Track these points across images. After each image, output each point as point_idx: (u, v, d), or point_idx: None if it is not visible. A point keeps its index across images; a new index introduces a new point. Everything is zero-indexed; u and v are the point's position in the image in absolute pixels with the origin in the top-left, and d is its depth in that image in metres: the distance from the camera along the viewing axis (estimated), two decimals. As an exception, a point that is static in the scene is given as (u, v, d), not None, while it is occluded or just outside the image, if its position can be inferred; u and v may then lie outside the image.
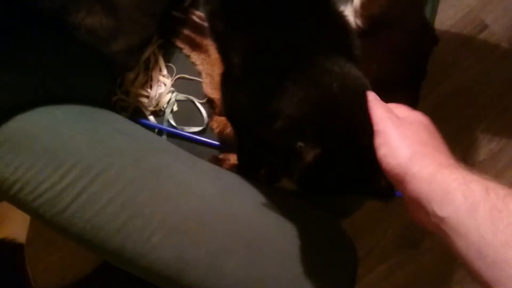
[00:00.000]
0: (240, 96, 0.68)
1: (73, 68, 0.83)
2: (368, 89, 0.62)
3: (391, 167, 0.51)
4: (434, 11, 1.02)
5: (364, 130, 0.57)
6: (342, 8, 0.91)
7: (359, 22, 0.95)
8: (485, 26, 1.54)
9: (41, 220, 0.69)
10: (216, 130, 0.91)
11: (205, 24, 0.97)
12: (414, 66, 0.98)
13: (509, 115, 1.48)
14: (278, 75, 0.61)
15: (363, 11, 0.95)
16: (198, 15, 0.98)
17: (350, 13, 0.95)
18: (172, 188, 0.70)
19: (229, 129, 0.91)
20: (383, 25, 0.96)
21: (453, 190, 0.44)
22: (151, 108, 0.95)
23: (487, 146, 1.47)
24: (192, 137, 0.93)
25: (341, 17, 0.70)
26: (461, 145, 1.47)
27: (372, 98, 0.60)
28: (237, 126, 0.80)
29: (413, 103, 0.99)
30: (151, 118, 0.95)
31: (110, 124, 0.78)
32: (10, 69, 0.70)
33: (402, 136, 0.53)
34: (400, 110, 0.60)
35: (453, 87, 1.50)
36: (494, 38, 1.53)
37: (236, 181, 0.79)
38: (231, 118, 0.80)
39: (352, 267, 0.76)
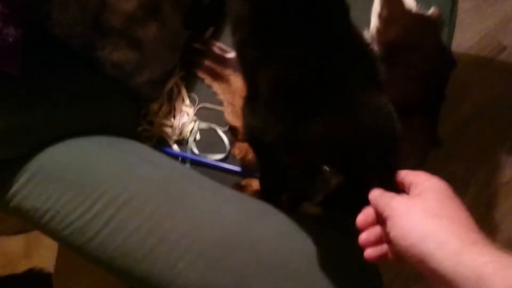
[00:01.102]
0: (266, 121, 0.69)
1: (100, 101, 0.86)
2: (395, 121, 0.63)
3: (405, 250, 0.47)
4: (450, 36, 1.03)
5: (388, 163, 0.58)
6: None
7: (377, 47, 0.96)
8: (504, 48, 1.55)
9: (71, 248, 0.71)
10: (238, 157, 0.93)
11: (226, 55, 1.01)
12: (432, 90, 0.99)
13: (532, 136, 1.47)
14: (312, 104, 0.63)
15: (380, 37, 0.98)
16: (219, 46, 1.01)
17: (367, 37, 0.98)
18: (197, 215, 0.72)
19: (250, 155, 0.93)
20: (400, 50, 0.97)
21: (488, 276, 0.40)
22: (175, 137, 0.97)
23: (510, 168, 1.45)
24: (215, 164, 0.95)
25: (367, 46, 0.72)
26: (485, 167, 1.46)
27: (376, 194, 0.55)
28: (259, 150, 0.82)
29: (433, 126, 1.00)
30: (175, 147, 0.97)
31: (135, 154, 0.81)
32: (44, 105, 0.74)
33: (410, 213, 0.48)
34: (414, 177, 0.56)
35: (474, 108, 1.50)
36: (512, 59, 1.54)
37: (259, 207, 0.80)
38: (253, 143, 0.82)
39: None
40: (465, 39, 1.55)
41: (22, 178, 0.72)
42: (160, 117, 0.98)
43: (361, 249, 0.83)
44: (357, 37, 0.72)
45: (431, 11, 0.99)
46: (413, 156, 0.96)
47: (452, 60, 1.02)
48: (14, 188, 0.72)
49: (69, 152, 0.75)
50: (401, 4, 0.99)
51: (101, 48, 0.82)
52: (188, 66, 1.01)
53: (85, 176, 0.72)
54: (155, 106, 0.99)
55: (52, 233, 0.72)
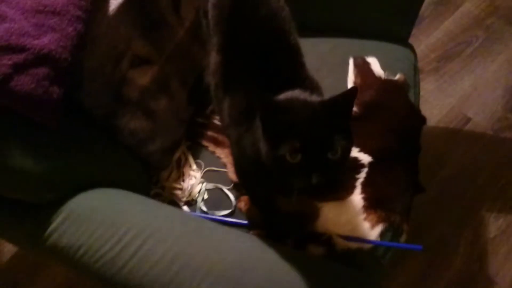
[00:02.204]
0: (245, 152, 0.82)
1: (120, 166, 0.98)
2: None
3: None
4: (416, 97, 1.20)
5: None
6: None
7: (354, 108, 1.12)
8: (469, 119, 1.73)
9: (103, 279, 0.78)
10: (244, 209, 1.03)
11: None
12: (407, 142, 1.13)
13: (509, 192, 1.60)
14: None
15: (357, 100, 1.13)
16: (218, 119, 1.16)
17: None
18: (215, 243, 0.81)
19: (255, 209, 1.03)
20: (375, 109, 1.13)
21: None
22: (185, 199, 1.07)
23: (495, 224, 1.55)
24: (223, 219, 1.04)
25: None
26: (470, 226, 1.55)
27: None
28: (252, 192, 0.93)
29: (413, 173, 1.12)
30: (185, 207, 1.07)
31: (153, 202, 0.91)
32: (78, 157, 0.86)
33: None
34: None
35: (450, 174, 1.63)
36: (479, 128, 1.71)
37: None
38: (243, 180, 0.92)
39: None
40: (433, 115, 1.74)
41: (58, 219, 0.81)
42: (170, 182, 1.09)
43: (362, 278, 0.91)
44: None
45: (397, 77, 1.17)
46: (399, 201, 1.06)
47: (421, 116, 1.18)
48: (50, 228, 0.80)
49: (97, 197, 0.85)
50: (372, 72, 1.17)
51: (121, 116, 0.95)
52: (193, 137, 1.15)
53: (113, 215, 0.82)
54: (165, 173, 1.11)
55: (85, 267, 0.79)
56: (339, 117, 0.70)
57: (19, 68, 0.71)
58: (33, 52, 0.72)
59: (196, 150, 1.13)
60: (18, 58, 0.71)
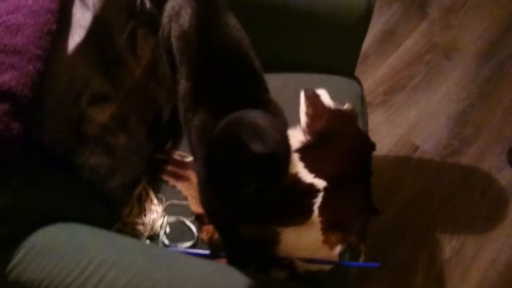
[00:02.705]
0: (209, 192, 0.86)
1: (81, 201, 0.99)
2: None
3: None
4: (365, 124, 1.28)
5: None
6: (292, 129, 1.16)
7: (308, 137, 1.18)
8: (417, 147, 1.83)
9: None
10: (206, 238, 1.05)
11: (185, 159, 1.19)
12: (359, 166, 1.19)
13: (460, 214, 1.68)
14: None
15: (309, 130, 1.20)
16: (179, 154, 1.19)
17: (299, 132, 1.19)
18: (179, 268, 0.82)
19: (216, 235, 1.06)
20: (327, 138, 1.19)
21: None
22: (147, 234, 1.08)
23: (449, 244, 1.62)
24: (186, 251, 1.05)
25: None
26: (426, 249, 1.62)
27: None
28: (219, 224, 0.96)
29: (367, 196, 1.18)
30: (147, 242, 1.08)
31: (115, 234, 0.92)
32: (38, 191, 0.86)
33: None
34: None
35: (403, 201, 1.71)
36: (427, 155, 1.81)
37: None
38: (212, 218, 0.96)
39: None
40: (383, 145, 1.83)
41: (19, 254, 0.80)
42: (131, 217, 1.10)
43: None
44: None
45: (346, 106, 1.24)
46: (355, 222, 1.11)
47: (371, 142, 1.25)
48: (12, 263, 0.80)
49: (58, 231, 0.85)
50: (321, 103, 1.24)
51: (81, 153, 0.97)
52: (153, 173, 1.17)
53: (74, 248, 0.82)
54: (126, 209, 1.12)
55: (49, 300, 0.78)
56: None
57: (-21, 104, 0.73)
58: (-6, 89, 0.75)
59: (156, 185, 1.16)
60: (-22, 94, 0.73)
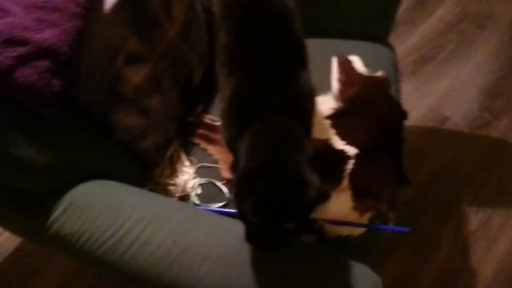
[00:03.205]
0: None
1: (117, 159, 1.00)
2: None
3: None
4: (398, 92, 1.26)
5: None
6: (323, 95, 1.16)
7: (340, 104, 1.17)
8: (446, 118, 1.80)
9: (104, 266, 0.80)
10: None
11: (215, 123, 1.19)
12: (391, 135, 1.18)
13: (488, 188, 1.66)
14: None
15: (341, 96, 1.19)
16: (209, 118, 1.20)
17: (331, 98, 1.19)
18: (213, 228, 0.84)
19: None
20: (359, 103, 1.18)
21: None
22: (178, 195, 1.10)
23: (475, 217, 1.61)
24: (217, 210, 1.07)
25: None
26: (451, 220, 1.61)
27: None
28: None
29: (398, 165, 1.17)
30: (179, 203, 1.09)
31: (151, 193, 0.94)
32: (78, 148, 0.88)
33: None
34: None
35: (430, 172, 1.70)
36: (456, 127, 1.78)
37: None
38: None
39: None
40: (412, 115, 1.78)
41: (60, 208, 0.83)
42: (163, 178, 1.12)
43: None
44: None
45: (379, 73, 1.23)
46: (386, 189, 1.11)
47: (403, 110, 1.23)
48: (53, 217, 0.82)
49: (97, 187, 0.87)
50: (354, 70, 1.23)
51: (116, 113, 0.98)
52: (185, 135, 1.18)
53: (113, 204, 0.84)
54: (158, 170, 1.13)
55: (87, 254, 0.81)
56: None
57: (22, 60, 0.73)
58: (35, 45, 0.75)
59: (188, 148, 1.17)
60: (21, 50, 0.73)
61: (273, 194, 0.74)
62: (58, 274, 1.45)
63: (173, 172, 1.13)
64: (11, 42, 0.73)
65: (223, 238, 0.82)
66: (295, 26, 0.94)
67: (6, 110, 0.75)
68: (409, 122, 1.75)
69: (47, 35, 0.77)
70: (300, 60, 0.94)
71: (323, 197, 0.76)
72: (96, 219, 0.81)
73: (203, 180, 1.11)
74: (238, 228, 0.86)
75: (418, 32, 2.02)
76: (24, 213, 0.85)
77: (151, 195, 0.92)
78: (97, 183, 0.89)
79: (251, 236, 0.76)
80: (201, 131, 1.18)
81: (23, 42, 0.74)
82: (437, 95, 1.85)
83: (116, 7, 0.91)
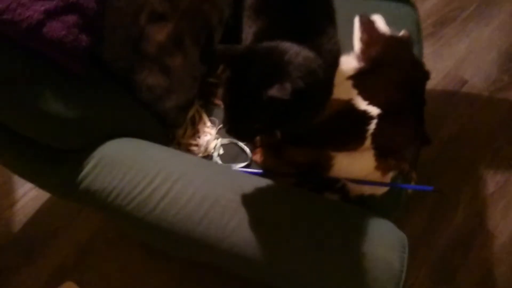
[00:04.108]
0: None
1: (140, 120, 1.00)
2: None
3: None
4: (420, 52, 1.24)
5: None
6: (345, 55, 1.14)
7: (362, 64, 1.16)
8: (465, 81, 1.78)
9: (134, 221, 0.81)
10: (260, 160, 1.07)
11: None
12: (413, 95, 1.17)
13: (506, 151, 1.65)
14: None
15: (363, 56, 1.18)
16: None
17: (353, 58, 1.17)
18: (240, 183, 0.84)
19: (269, 159, 1.07)
20: (381, 65, 1.17)
21: None
22: (201, 155, 1.10)
23: (493, 180, 1.61)
24: (240, 170, 1.07)
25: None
26: (469, 183, 1.61)
27: None
28: None
29: (420, 125, 1.16)
30: (201, 163, 1.10)
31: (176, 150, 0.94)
32: (105, 105, 0.88)
33: None
34: None
35: (448, 134, 1.69)
36: (475, 89, 1.76)
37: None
38: None
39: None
40: (431, 78, 1.78)
41: (90, 164, 0.84)
42: (185, 138, 1.12)
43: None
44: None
45: (402, 33, 1.21)
46: (408, 149, 1.11)
47: (425, 70, 1.22)
48: (83, 173, 0.83)
49: (125, 144, 0.88)
50: (376, 29, 1.21)
51: (139, 71, 0.98)
52: (206, 96, 1.18)
53: (142, 160, 0.85)
54: (180, 131, 1.13)
55: (117, 209, 0.82)
56: None
57: (51, 15, 0.73)
58: (63, 0, 0.74)
59: (209, 109, 1.16)
60: (49, 5, 0.73)
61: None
62: (78, 237, 1.48)
63: (195, 133, 1.13)
64: (39, -5, 0.72)
65: (250, 195, 0.83)
66: None
67: (35, 64, 0.75)
68: (428, 85, 1.74)
69: (73, -10, 0.76)
70: (329, 17, 0.93)
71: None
72: (125, 175, 0.82)
73: (225, 141, 1.12)
74: (264, 186, 0.87)
75: (438, -7, 1.98)
76: (54, 168, 0.86)
77: (178, 152, 0.93)
78: (125, 140, 0.89)
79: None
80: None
81: (51, -4, 0.73)
82: (456, 58, 1.83)
83: (139, -37, 0.90)
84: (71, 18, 0.75)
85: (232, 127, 0.78)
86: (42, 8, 0.72)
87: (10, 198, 1.56)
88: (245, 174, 0.92)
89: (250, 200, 0.83)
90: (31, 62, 0.74)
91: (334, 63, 0.94)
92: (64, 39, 0.75)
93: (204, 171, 0.86)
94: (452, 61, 1.82)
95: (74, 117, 0.80)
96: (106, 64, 0.93)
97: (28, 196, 1.55)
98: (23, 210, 1.53)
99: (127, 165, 0.84)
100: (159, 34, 0.99)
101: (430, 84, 1.77)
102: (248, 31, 0.95)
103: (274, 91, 0.67)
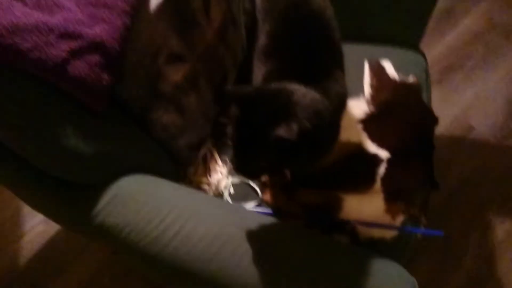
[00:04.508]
0: None
1: (154, 158, 1.02)
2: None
3: None
4: (429, 98, 1.26)
5: None
6: (355, 99, 1.17)
7: (372, 108, 1.18)
8: (472, 128, 1.80)
9: (146, 258, 0.81)
10: (270, 199, 1.07)
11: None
12: (422, 139, 1.19)
13: (514, 198, 1.66)
14: None
15: (373, 100, 1.20)
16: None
17: (363, 102, 1.20)
18: (251, 224, 0.85)
19: (280, 200, 1.08)
20: (391, 108, 1.19)
21: None
22: (211, 193, 1.11)
23: (502, 227, 1.60)
24: (250, 209, 1.08)
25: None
26: (477, 230, 1.61)
27: None
28: None
29: (429, 169, 1.17)
30: (212, 201, 1.11)
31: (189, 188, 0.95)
32: (122, 142, 0.90)
33: None
34: None
35: (456, 180, 1.69)
36: (482, 136, 1.78)
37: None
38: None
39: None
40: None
41: (104, 200, 0.85)
42: (197, 176, 1.14)
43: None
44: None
45: (411, 79, 1.24)
46: (417, 193, 1.11)
47: (434, 116, 1.24)
48: (97, 208, 0.84)
49: (139, 181, 0.89)
50: (386, 75, 1.24)
51: (155, 110, 1.00)
52: (218, 136, 1.20)
53: (155, 197, 0.86)
54: (192, 169, 1.15)
55: (130, 246, 0.82)
56: None
57: (75, 54, 0.76)
58: (87, 40, 0.78)
59: (221, 148, 1.18)
60: (74, 44, 0.76)
61: (244, 120, 0.76)
62: (84, 272, 1.47)
63: (206, 171, 1.15)
64: (66, 36, 0.75)
65: (261, 236, 0.84)
66: (333, 33, 0.96)
67: (58, 101, 0.77)
68: (435, 130, 1.77)
69: (98, 31, 0.80)
70: (337, 61, 0.96)
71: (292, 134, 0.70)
72: (139, 212, 0.83)
73: (236, 180, 1.13)
74: (274, 226, 0.87)
75: (444, 41, 2.03)
76: (68, 203, 0.87)
77: (191, 190, 0.94)
78: (139, 177, 0.91)
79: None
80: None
81: (76, 36, 0.76)
82: (463, 104, 1.85)
83: (160, 7, 0.94)
84: (94, 58, 0.78)
85: (239, 165, 0.80)
86: (68, 47, 0.75)
87: (18, 232, 1.56)
88: (256, 214, 0.93)
89: (261, 241, 0.83)
90: (53, 98, 0.77)
91: (340, 106, 0.96)
92: (86, 78, 0.77)
93: (216, 210, 0.87)
94: (459, 108, 1.85)
95: (92, 153, 0.82)
96: (123, 102, 0.95)
97: (36, 230, 1.55)
98: (30, 244, 1.53)
99: (141, 201, 0.85)
100: (176, 74, 1.02)
101: (437, 130, 1.76)
102: (258, 73, 0.98)
103: (281, 132, 0.69)
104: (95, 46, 0.79)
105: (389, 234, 1.03)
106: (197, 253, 0.80)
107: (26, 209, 1.60)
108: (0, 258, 1.51)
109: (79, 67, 0.76)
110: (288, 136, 0.68)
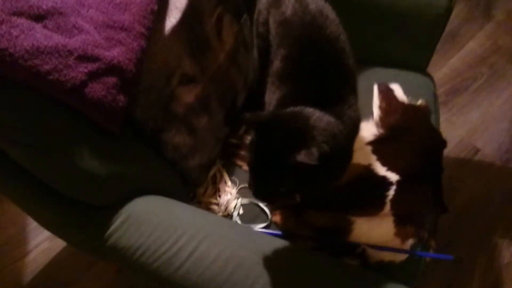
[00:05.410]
0: None
1: (165, 179, 1.02)
2: None
3: None
4: (437, 121, 1.27)
5: None
6: (365, 121, 1.17)
7: (381, 130, 1.19)
8: (478, 150, 1.81)
9: (159, 280, 0.81)
10: (279, 221, 1.07)
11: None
12: (430, 162, 1.19)
13: (519, 221, 1.66)
14: None
15: (382, 123, 1.21)
16: (252, 139, 1.22)
17: (372, 125, 1.20)
18: (264, 247, 0.85)
19: (289, 221, 1.08)
20: (400, 131, 1.20)
21: None
22: (220, 214, 1.11)
23: (508, 250, 1.60)
24: (259, 231, 1.08)
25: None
26: (484, 252, 1.60)
27: None
28: None
29: (438, 192, 1.18)
30: (221, 222, 1.11)
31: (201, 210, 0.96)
32: (134, 163, 0.91)
33: None
34: None
35: (462, 203, 1.69)
36: (488, 158, 1.79)
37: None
38: None
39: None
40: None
41: (118, 221, 0.85)
42: (206, 197, 1.14)
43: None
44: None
45: (420, 102, 1.24)
46: (426, 217, 1.11)
47: (442, 139, 1.24)
48: (110, 229, 0.84)
49: (152, 202, 0.89)
50: (395, 98, 1.25)
51: (167, 130, 1.01)
52: (228, 156, 1.20)
53: (168, 219, 0.86)
54: (201, 189, 1.15)
55: (143, 267, 0.82)
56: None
57: (93, 76, 0.76)
58: (104, 62, 0.78)
59: (230, 168, 1.18)
60: (92, 67, 0.77)
61: (262, 145, 0.77)
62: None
63: (216, 192, 1.15)
64: (84, 58, 0.76)
65: (272, 259, 0.84)
66: (347, 58, 0.97)
67: (75, 122, 0.78)
68: (441, 152, 1.78)
69: (115, 53, 0.80)
70: (350, 86, 0.97)
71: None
72: (152, 233, 0.83)
73: (245, 201, 1.13)
74: (285, 249, 0.87)
75: (449, 64, 2.05)
76: (81, 224, 0.87)
77: (203, 212, 0.94)
78: (151, 198, 0.91)
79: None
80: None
81: (94, 59, 0.77)
82: (468, 127, 1.86)
83: (174, 29, 0.95)
84: (111, 80, 0.79)
85: (258, 190, 0.81)
86: (86, 70, 0.76)
87: (22, 249, 1.55)
88: (266, 235, 0.93)
89: (274, 264, 0.83)
90: (70, 119, 0.77)
91: (354, 129, 0.96)
92: (103, 99, 0.78)
93: (229, 232, 0.87)
94: (464, 130, 1.85)
95: (107, 175, 0.82)
96: (136, 122, 0.96)
97: (41, 247, 1.55)
98: (35, 261, 1.53)
99: (153, 223, 0.85)
100: (188, 95, 1.03)
101: (444, 151, 1.79)
102: (272, 97, 0.98)
103: (302, 157, 0.70)
104: (112, 68, 0.79)
105: (399, 257, 1.03)
106: (210, 276, 0.80)
107: (31, 227, 1.60)
108: (5, 275, 1.50)
109: (96, 89, 0.77)
110: (309, 161, 0.69)
